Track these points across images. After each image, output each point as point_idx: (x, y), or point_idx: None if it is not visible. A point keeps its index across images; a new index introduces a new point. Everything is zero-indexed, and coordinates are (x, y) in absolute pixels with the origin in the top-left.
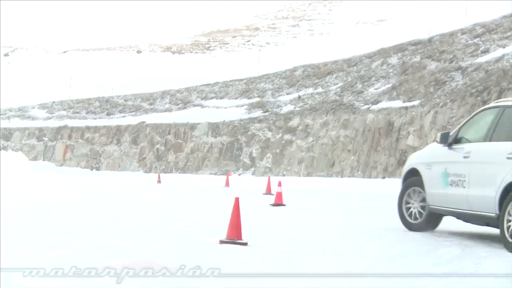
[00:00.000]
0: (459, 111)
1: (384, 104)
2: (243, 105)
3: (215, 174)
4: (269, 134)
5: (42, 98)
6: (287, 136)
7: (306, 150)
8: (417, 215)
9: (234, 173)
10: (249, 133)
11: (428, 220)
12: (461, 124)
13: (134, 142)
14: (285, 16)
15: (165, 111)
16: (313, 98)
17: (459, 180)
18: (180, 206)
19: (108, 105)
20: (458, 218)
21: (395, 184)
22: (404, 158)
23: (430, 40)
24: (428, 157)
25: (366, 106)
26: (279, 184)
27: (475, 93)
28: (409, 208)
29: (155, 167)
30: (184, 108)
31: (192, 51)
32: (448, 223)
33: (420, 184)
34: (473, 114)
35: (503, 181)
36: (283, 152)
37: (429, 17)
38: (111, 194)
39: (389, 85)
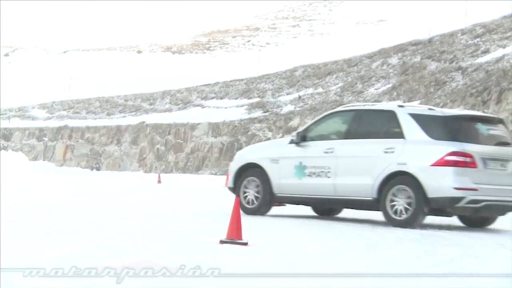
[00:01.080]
0: None
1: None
2: (243, 105)
3: (215, 174)
4: (270, 134)
5: (42, 98)
6: (288, 136)
7: None
8: (254, 201)
9: None
10: (249, 133)
11: (260, 206)
12: (307, 126)
13: (134, 142)
14: (285, 16)
15: (165, 111)
16: (313, 98)
17: (321, 172)
18: (180, 206)
19: (108, 105)
20: (308, 204)
21: None
22: None
23: (430, 41)
24: (273, 153)
25: None
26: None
27: (475, 93)
28: (246, 196)
29: (155, 167)
30: (184, 108)
31: (192, 51)
32: (449, 223)
33: (259, 176)
34: (319, 117)
35: (384, 171)
36: None
37: (429, 17)
38: (111, 194)
39: (389, 85)
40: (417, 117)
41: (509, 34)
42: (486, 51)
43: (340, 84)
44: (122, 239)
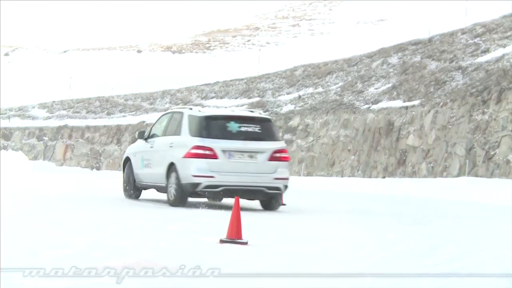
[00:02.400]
0: (459, 110)
1: (384, 103)
2: (243, 105)
3: None
4: None
5: (42, 98)
6: (287, 136)
7: (306, 149)
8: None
9: None
10: None
11: (133, 192)
12: (153, 124)
13: (134, 142)
14: (285, 15)
15: (165, 110)
16: (313, 97)
17: (149, 163)
18: (180, 205)
19: (108, 105)
20: (149, 189)
21: (396, 184)
22: (404, 158)
23: (430, 40)
24: (135, 148)
25: (366, 106)
26: None
27: (475, 92)
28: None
29: None
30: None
31: (192, 51)
32: (448, 221)
33: (128, 167)
34: (158, 118)
35: (167, 162)
36: None
37: (429, 17)
38: (111, 193)
39: (389, 85)
40: (190, 118)
41: (509, 33)
42: (486, 51)
43: (340, 84)
44: (122, 239)
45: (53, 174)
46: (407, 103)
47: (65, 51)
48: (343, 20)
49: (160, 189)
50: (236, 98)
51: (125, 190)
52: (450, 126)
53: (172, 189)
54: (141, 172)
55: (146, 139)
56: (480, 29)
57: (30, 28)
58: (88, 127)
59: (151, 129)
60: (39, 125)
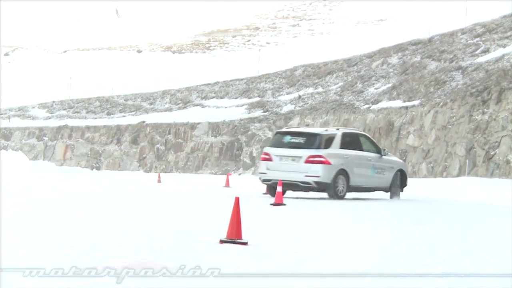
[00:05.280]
0: (459, 110)
1: (384, 103)
2: (243, 105)
3: (215, 173)
4: (269, 134)
5: (42, 98)
6: None
7: None
8: None
9: (234, 172)
10: (249, 132)
11: None
12: None
13: (134, 142)
14: (285, 15)
15: (165, 110)
16: (313, 97)
17: None
18: (180, 205)
19: (108, 105)
20: None
21: None
22: (404, 158)
23: (430, 40)
24: None
25: (366, 106)
26: (279, 184)
27: (475, 92)
28: None
29: (155, 166)
30: (184, 107)
31: (192, 51)
32: (448, 221)
33: None
34: None
35: None
36: None
37: (429, 17)
38: (111, 193)
39: (389, 85)
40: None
41: (509, 33)
42: (486, 51)
43: (340, 84)
44: (122, 239)
45: (53, 174)
46: (407, 103)
47: (65, 51)
48: (343, 20)
49: None
50: (236, 98)
51: None
52: (450, 126)
53: None
54: None
55: None
56: (480, 29)
57: (30, 28)
58: (88, 127)
59: None
60: (39, 125)
